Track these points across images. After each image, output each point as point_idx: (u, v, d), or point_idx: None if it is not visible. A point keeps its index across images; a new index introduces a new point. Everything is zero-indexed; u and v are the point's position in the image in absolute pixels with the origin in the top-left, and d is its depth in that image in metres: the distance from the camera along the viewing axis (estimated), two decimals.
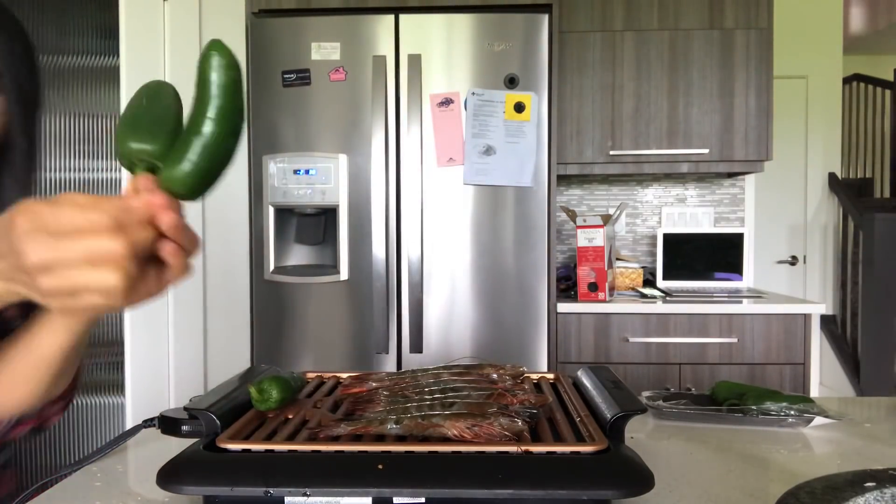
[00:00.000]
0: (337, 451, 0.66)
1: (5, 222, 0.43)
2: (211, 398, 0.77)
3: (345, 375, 1.00)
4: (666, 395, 1.10)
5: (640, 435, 0.96)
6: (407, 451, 0.66)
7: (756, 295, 2.49)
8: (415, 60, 2.16)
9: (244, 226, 2.34)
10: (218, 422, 0.72)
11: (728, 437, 0.94)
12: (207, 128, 0.48)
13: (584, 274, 2.38)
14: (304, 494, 0.62)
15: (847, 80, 5.74)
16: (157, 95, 0.52)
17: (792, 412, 1.00)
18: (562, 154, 2.49)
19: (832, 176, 4.08)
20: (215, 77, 0.48)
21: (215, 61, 0.48)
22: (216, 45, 0.48)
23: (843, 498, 0.57)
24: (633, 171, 2.58)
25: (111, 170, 2.46)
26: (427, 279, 2.19)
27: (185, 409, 0.75)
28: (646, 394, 1.10)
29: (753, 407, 1.01)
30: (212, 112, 0.48)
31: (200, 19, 2.37)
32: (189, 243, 0.47)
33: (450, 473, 0.63)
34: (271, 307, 2.24)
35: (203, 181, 0.49)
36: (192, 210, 2.51)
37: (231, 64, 0.48)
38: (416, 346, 2.18)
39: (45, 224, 0.42)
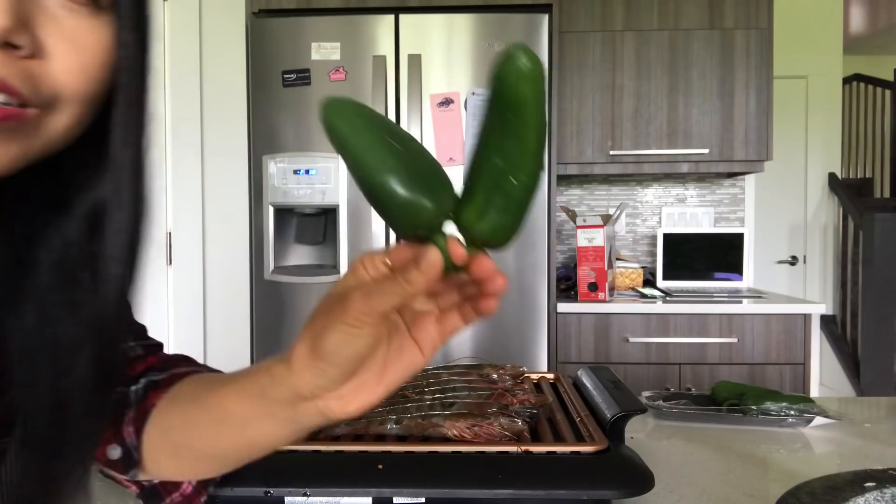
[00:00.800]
0: (337, 451, 0.66)
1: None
2: None
3: None
4: (666, 395, 1.10)
5: (640, 435, 0.95)
6: (407, 451, 0.66)
7: (756, 295, 2.49)
8: (415, 60, 2.16)
9: (244, 226, 2.34)
10: None
11: (728, 437, 0.94)
12: (530, 167, 0.39)
13: (584, 274, 2.38)
14: (304, 494, 0.62)
15: (847, 80, 5.73)
16: (387, 122, 0.40)
17: (792, 412, 1.00)
18: (562, 154, 2.49)
19: (832, 176, 4.08)
20: (535, 101, 0.37)
21: (534, 79, 0.36)
22: (529, 56, 0.36)
23: (843, 498, 0.57)
24: (633, 171, 2.58)
25: None
26: None
27: None
28: (646, 394, 1.10)
29: (753, 407, 1.01)
30: (533, 148, 0.38)
31: (200, 19, 2.37)
32: None
33: (450, 473, 0.63)
34: (271, 307, 2.24)
35: (520, 229, 0.40)
36: (192, 210, 2.51)
37: (543, 78, 0.37)
38: None
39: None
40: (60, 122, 0.39)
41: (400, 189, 0.37)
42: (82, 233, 0.44)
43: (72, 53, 0.38)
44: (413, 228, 0.39)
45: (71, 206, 0.44)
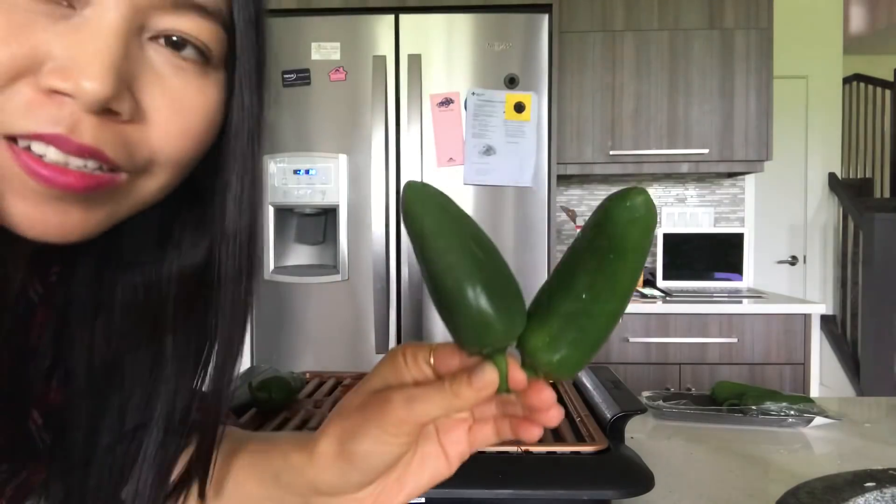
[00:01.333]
0: None
1: None
2: None
3: (345, 375, 1.00)
4: (666, 395, 1.10)
5: (640, 435, 0.95)
6: None
7: (756, 295, 2.49)
8: (415, 60, 2.16)
9: None
10: None
11: (728, 437, 0.94)
12: (615, 310, 0.39)
13: None
14: None
15: (847, 80, 5.73)
16: (473, 225, 0.37)
17: (792, 412, 1.00)
18: (562, 154, 2.49)
19: (832, 176, 4.08)
20: (640, 249, 0.37)
21: (645, 227, 0.36)
22: (646, 202, 0.36)
23: (843, 498, 0.57)
24: (633, 171, 2.58)
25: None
26: None
27: None
28: (646, 394, 1.09)
29: (753, 407, 1.01)
30: (625, 292, 0.38)
31: None
32: None
33: None
34: (271, 307, 2.24)
35: (585, 365, 0.37)
36: None
37: (654, 227, 0.37)
38: None
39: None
40: (151, 186, 0.37)
41: (476, 302, 0.34)
42: (169, 283, 0.44)
43: (174, 117, 0.35)
44: (478, 345, 0.36)
45: (161, 257, 0.43)
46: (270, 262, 2.23)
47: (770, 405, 1.01)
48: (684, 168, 2.54)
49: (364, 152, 2.18)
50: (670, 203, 2.93)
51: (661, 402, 1.06)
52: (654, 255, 2.80)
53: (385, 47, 2.18)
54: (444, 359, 0.38)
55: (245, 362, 2.34)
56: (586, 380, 0.88)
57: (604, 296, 0.37)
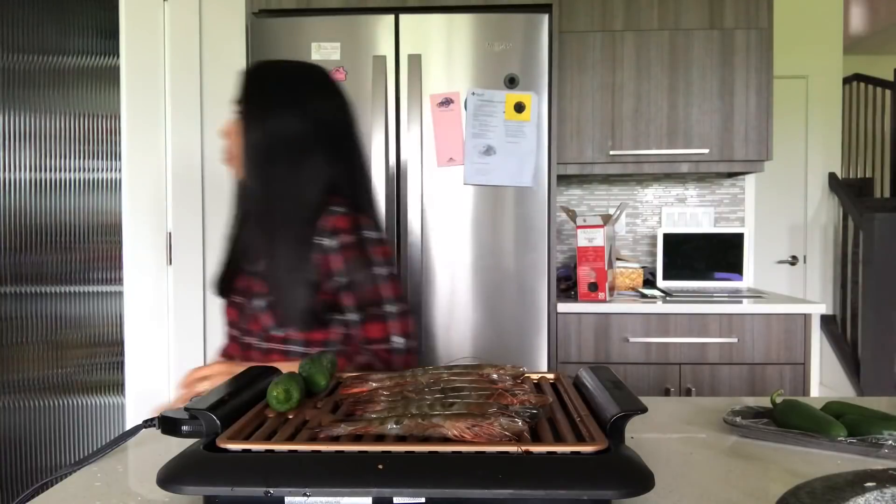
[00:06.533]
0: (337, 451, 0.66)
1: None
2: (211, 398, 0.77)
3: (345, 375, 1.00)
4: (745, 413, 0.98)
5: (641, 435, 0.95)
6: (407, 451, 0.66)
7: (756, 295, 2.49)
8: (415, 60, 2.16)
9: None
10: (218, 422, 0.72)
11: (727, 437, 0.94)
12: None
13: (585, 274, 2.38)
14: (304, 494, 0.62)
15: (847, 80, 5.73)
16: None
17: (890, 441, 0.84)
18: (562, 154, 2.49)
19: (832, 176, 4.08)
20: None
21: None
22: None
23: (843, 498, 0.57)
24: (633, 171, 2.58)
25: (111, 170, 2.46)
26: (427, 279, 2.19)
27: (186, 409, 0.75)
28: (734, 408, 0.98)
29: (854, 437, 0.85)
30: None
31: (200, 19, 2.37)
32: None
33: (450, 473, 0.63)
34: None
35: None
36: (193, 209, 2.50)
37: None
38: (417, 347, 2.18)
39: None
40: None
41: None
42: None
43: None
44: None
45: None
46: None
47: (888, 434, 0.85)
48: (684, 168, 2.54)
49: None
50: (670, 203, 2.93)
51: (738, 419, 0.94)
52: (654, 255, 2.80)
53: (385, 47, 2.18)
54: None
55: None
56: (586, 380, 0.88)
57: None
